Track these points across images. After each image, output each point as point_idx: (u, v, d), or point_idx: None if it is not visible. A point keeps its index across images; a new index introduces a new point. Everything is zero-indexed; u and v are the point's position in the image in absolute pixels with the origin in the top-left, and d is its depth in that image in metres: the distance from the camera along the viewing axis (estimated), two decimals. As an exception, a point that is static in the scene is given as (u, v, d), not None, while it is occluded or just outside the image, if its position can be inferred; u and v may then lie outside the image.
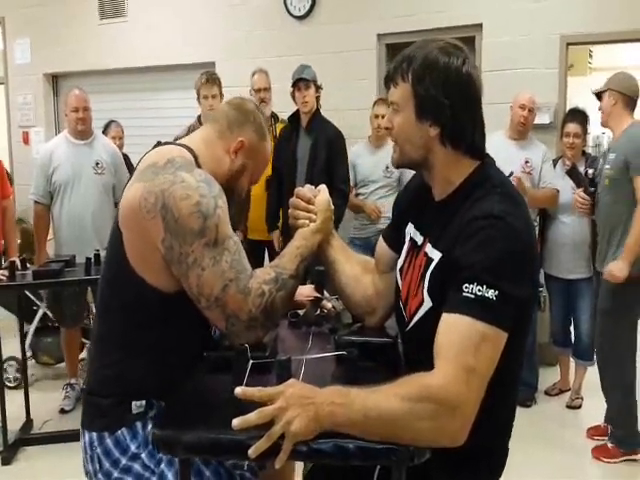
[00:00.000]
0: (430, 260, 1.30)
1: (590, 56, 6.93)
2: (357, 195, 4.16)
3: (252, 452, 1.13)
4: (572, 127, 3.70)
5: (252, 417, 1.14)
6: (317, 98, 3.84)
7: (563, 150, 3.84)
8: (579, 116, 3.74)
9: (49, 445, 3.18)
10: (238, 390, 1.19)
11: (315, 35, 5.04)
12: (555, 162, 3.88)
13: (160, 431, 1.30)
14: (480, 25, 4.52)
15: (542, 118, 4.27)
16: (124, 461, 1.44)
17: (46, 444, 3.23)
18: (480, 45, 4.55)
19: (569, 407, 3.77)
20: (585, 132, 3.76)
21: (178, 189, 1.33)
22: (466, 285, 1.14)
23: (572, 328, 3.89)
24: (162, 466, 1.42)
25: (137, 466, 1.43)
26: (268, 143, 1.64)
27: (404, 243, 1.47)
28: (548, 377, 4.07)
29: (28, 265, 3.35)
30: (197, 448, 1.30)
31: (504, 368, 1.20)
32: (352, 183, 4.07)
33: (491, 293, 1.13)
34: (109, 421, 1.45)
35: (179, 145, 1.52)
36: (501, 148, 3.73)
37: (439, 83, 1.23)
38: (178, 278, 1.38)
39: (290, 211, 1.59)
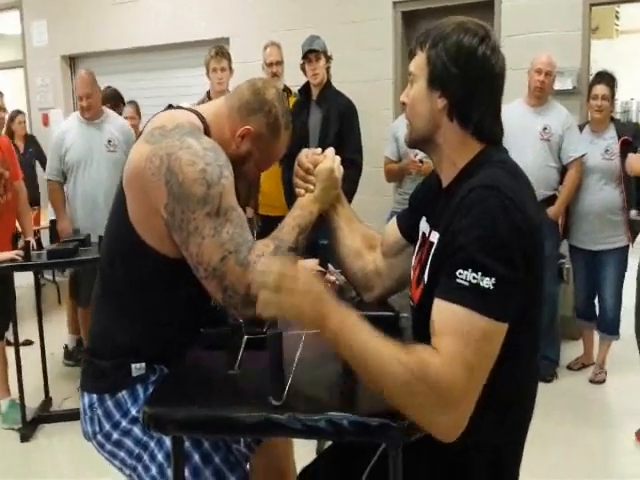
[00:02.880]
0: (432, 245, 1.24)
1: (617, 17, 6.68)
2: None
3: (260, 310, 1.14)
4: (600, 89, 3.56)
5: (268, 281, 1.12)
6: (327, 69, 3.76)
7: (590, 113, 3.71)
8: (607, 78, 3.60)
9: (68, 422, 3.20)
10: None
11: (329, 5, 4.94)
12: (581, 128, 3.74)
13: (150, 409, 1.28)
14: (499, -12, 4.36)
15: (565, 83, 4.13)
16: (124, 423, 1.45)
17: (65, 421, 3.26)
18: (499, 8, 4.41)
19: (592, 382, 3.67)
20: (613, 96, 3.61)
21: (184, 154, 1.31)
22: (460, 271, 1.05)
23: (597, 301, 3.79)
24: None
25: (136, 429, 1.44)
26: (281, 138, 1.53)
27: (417, 238, 1.40)
28: (571, 351, 3.98)
29: (43, 245, 3.40)
30: (188, 426, 1.29)
31: (511, 365, 1.12)
32: (395, 157, 4.00)
33: (487, 281, 1.03)
34: (109, 383, 1.46)
35: (190, 110, 1.49)
36: (518, 115, 3.65)
37: (452, 53, 1.19)
38: (179, 245, 1.36)
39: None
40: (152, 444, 1.44)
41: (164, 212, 1.34)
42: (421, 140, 1.30)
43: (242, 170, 1.53)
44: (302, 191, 1.52)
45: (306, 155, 1.55)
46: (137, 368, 1.45)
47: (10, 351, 3.28)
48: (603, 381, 3.66)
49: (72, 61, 6.47)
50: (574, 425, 3.16)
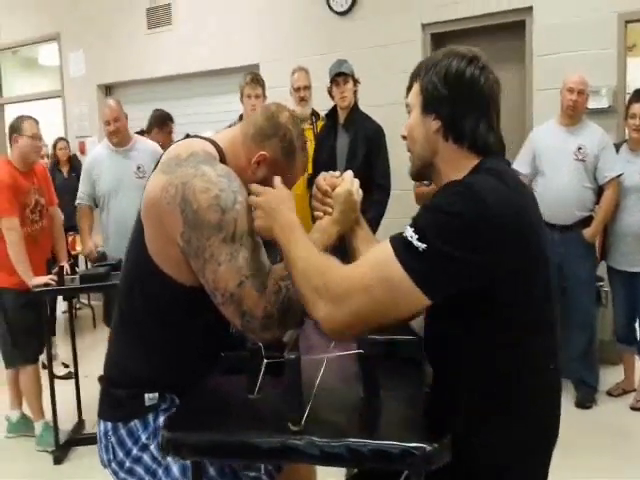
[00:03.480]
0: None
1: (655, 35, 6.55)
2: None
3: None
4: (638, 107, 3.49)
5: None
6: (355, 93, 3.75)
7: (628, 133, 3.62)
8: None
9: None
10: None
11: (357, 30, 4.98)
12: (618, 146, 3.66)
13: (169, 433, 1.27)
14: (530, 8, 4.34)
15: (600, 102, 4.06)
16: (135, 451, 1.46)
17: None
18: (531, 29, 4.37)
19: (633, 409, 3.53)
20: None
21: (198, 182, 1.32)
22: (407, 227, 1.14)
23: (637, 324, 3.67)
24: (169, 459, 1.42)
25: (146, 457, 1.45)
26: (297, 161, 1.54)
27: None
28: (611, 377, 3.84)
29: (77, 269, 3.46)
30: (205, 451, 1.27)
31: (510, 377, 1.13)
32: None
33: (419, 244, 1.10)
34: (123, 412, 1.47)
35: (206, 139, 1.50)
36: (552, 136, 3.59)
37: (441, 76, 1.25)
38: (196, 272, 1.37)
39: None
40: (160, 472, 1.44)
41: (180, 240, 1.34)
42: (422, 166, 1.33)
43: None
44: (320, 214, 1.50)
45: (324, 178, 1.53)
46: (150, 398, 1.46)
47: (44, 374, 3.33)
48: (646, 408, 3.53)
49: (108, 90, 6.64)
50: (614, 455, 3.02)
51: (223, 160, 1.46)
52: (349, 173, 1.54)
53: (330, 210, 1.49)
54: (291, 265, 1.28)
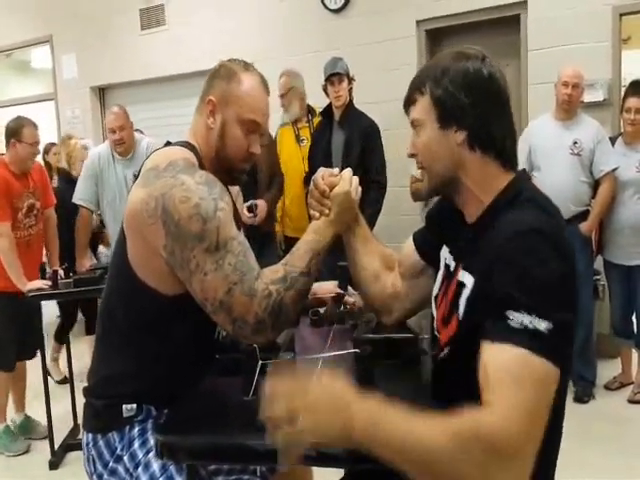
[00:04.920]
0: (462, 285, 1.17)
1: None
2: None
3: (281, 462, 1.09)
4: (634, 102, 3.46)
5: (279, 410, 1.01)
6: (350, 90, 3.75)
7: (623, 126, 3.61)
8: None
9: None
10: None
11: (352, 27, 4.95)
12: (613, 140, 3.65)
13: (163, 437, 1.26)
14: (525, 2, 4.31)
15: (595, 95, 4.04)
16: (111, 463, 1.44)
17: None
18: (525, 23, 4.34)
19: (631, 402, 3.52)
20: None
21: (177, 192, 1.30)
22: (512, 314, 0.98)
23: (634, 318, 3.66)
24: (139, 470, 1.40)
25: (120, 468, 1.43)
26: (243, 80, 1.47)
27: (437, 261, 1.35)
28: (608, 371, 3.83)
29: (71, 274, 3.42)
30: (200, 454, 1.26)
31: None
32: (421, 176, 3.96)
33: (542, 324, 0.97)
34: (102, 423, 1.45)
35: (182, 144, 1.47)
36: (547, 130, 3.57)
37: (458, 82, 1.16)
38: (180, 281, 1.35)
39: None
40: None
41: (164, 252, 1.32)
42: (442, 185, 1.24)
43: (231, 148, 1.47)
44: (317, 214, 1.45)
45: (322, 176, 1.48)
46: (128, 409, 1.43)
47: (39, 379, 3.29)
48: (644, 401, 3.53)
49: (101, 92, 6.60)
50: (612, 448, 3.01)
51: (200, 158, 1.45)
52: (348, 172, 1.48)
53: (327, 211, 1.43)
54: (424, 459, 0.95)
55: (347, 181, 1.45)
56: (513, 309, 0.98)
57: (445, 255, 1.32)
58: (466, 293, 1.15)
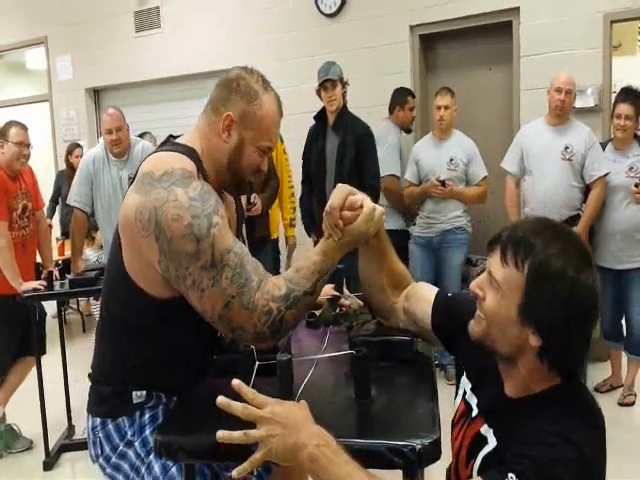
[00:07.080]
0: (484, 440, 1.18)
1: (640, 34, 6.61)
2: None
3: (235, 474, 1.12)
4: (624, 108, 3.50)
5: (237, 436, 1.12)
6: (344, 95, 3.76)
7: (613, 132, 3.65)
8: (631, 96, 3.53)
9: (91, 451, 3.20)
10: (219, 400, 1.16)
11: (346, 32, 4.99)
12: (604, 145, 3.69)
13: (162, 436, 1.28)
14: (517, 9, 4.37)
15: (586, 101, 4.10)
16: (121, 446, 1.46)
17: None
18: (518, 30, 4.40)
19: (621, 404, 3.57)
20: (638, 114, 3.53)
21: (170, 209, 1.27)
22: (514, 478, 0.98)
23: (624, 321, 3.70)
24: (151, 457, 1.43)
25: (131, 453, 1.46)
26: (264, 102, 1.42)
27: (457, 392, 1.35)
28: (598, 373, 3.87)
29: (66, 275, 3.45)
30: (198, 453, 1.27)
31: None
32: (415, 180, 4.04)
33: None
34: (111, 408, 1.47)
35: (183, 149, 1.43)
36: (539, 135, 3.61)
37: (562, 295, 1.03)
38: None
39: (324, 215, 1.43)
40: (143, 469, 1.45)
41: (159, 267, 1.32)
42: (493, 352, 1.16)
43: (244, 165, 1.46)
44: (327, 235, 1.37)
45: (341, 207, 1.35)
46: (138, 396, 1.46)
47: (33, 380, 3.29)
48: (632, 403, 3.56)
49: (96, 94, 6.61)
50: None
51: (200, 163, 1.42)
52: (368, 208, 1.36)
53: (337, 238, 1.36)
54: None
55: (364, 219, 1.35)
56: (516, 475, 0.98)
57: (465, 386, 1.32)
58: (487, 450, 1.16)
